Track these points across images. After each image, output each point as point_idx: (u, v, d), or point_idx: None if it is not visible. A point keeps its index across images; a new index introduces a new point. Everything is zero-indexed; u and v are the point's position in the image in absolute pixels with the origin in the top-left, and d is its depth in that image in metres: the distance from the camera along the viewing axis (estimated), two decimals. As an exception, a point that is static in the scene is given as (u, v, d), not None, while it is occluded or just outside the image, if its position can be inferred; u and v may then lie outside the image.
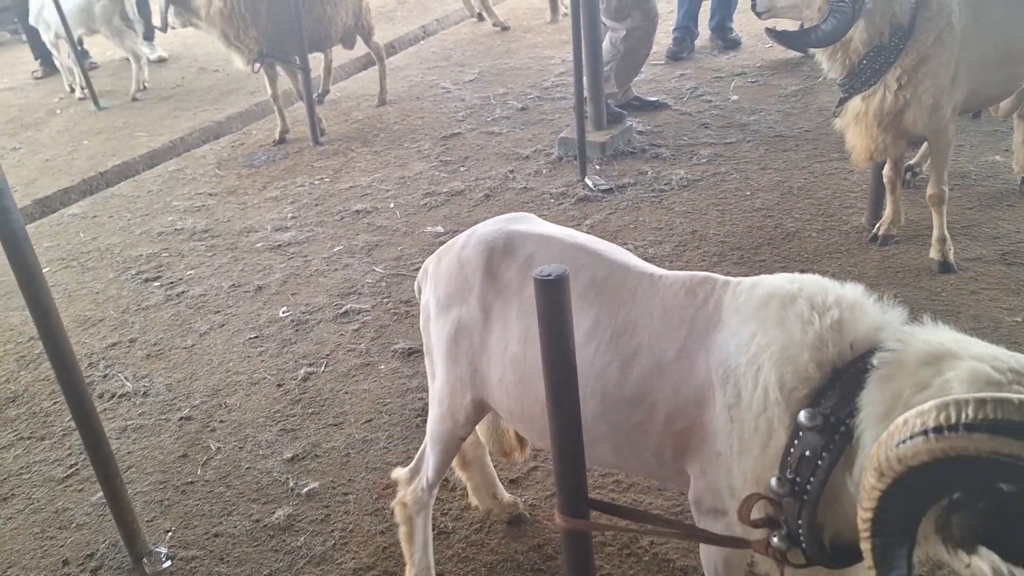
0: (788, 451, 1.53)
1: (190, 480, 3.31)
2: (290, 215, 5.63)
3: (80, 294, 4.96)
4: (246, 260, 5.09)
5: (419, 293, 2.46)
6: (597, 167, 5.65)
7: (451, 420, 2.33)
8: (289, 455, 3.35)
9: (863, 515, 1.17)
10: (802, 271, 2.81)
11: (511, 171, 5.77)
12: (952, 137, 3.84)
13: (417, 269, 4.81)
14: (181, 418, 3.68)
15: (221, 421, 3.64)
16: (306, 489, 3.15)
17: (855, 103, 3.77)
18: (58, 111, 8.89)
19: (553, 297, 1.45)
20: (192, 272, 5.04)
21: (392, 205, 5.57)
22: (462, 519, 2.93)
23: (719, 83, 6.89)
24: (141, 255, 5.35)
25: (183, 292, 4.80)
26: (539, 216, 2.39)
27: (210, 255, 5.23)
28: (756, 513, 1.55)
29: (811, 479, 1.48)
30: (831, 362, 1.54)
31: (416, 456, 2.54)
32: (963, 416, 1.01)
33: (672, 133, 6.05)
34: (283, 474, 3.26)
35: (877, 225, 4.30)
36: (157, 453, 3.48)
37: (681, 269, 4.46)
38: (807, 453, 1.49)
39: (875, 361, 1.46)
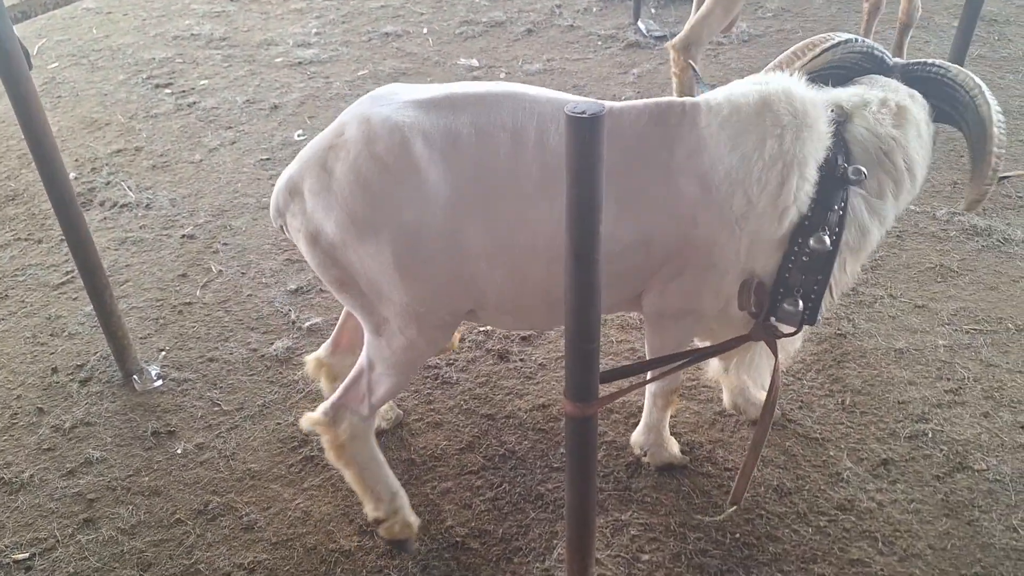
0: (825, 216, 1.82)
1: (188, 301, 3.17)
2: (314, 31, 5.22)
3: (88, 94, 4.69)
4: (263, 75, 4.76)
5: (288, 219, 1.91)
6: (652, 11, 5.13)
7: (423, 342, 1.97)
8: (293, 287, 3.19)
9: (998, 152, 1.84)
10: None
11: (558, 5, 5.27)
12: None
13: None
14: (183, 236, 3.51)
15: (224, 243, 3.47)
16: (308, 323, 3.00)
17: None
18: None
19: (586, 137, 1.18)
20: (206, 82, 4.72)
21: (425, 31, 5.13)
22: (468, 371, 2.79)
23: (799, -73, 6.17)
24: (154, 59, 5.02)
25: (195, 103, 4.51)
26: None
27: (226, 66, 4.89)
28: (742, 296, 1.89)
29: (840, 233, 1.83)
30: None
31: (339, 392, 2.07)
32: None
33: (739, -21, 5.46)
34: (285, 305, 3.11)
35: None
36: (156, 269, 3.34)
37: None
38: (838, 208, 1.82)
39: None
